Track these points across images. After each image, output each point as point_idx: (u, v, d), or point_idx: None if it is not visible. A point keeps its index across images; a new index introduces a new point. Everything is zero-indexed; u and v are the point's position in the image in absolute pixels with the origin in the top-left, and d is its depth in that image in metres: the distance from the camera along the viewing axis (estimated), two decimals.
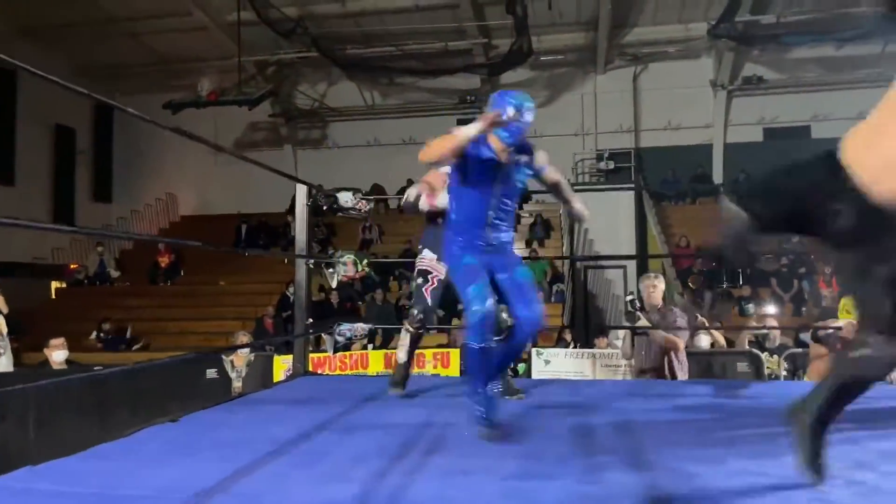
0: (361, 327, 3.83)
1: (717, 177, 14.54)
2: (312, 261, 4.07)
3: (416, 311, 3.42)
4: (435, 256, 3.44)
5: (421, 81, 14.40)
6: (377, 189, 13.59)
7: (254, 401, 3.40)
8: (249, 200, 14.57)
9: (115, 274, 13.23)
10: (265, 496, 1.89)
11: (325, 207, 3.78)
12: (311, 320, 4.12)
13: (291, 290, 10.14)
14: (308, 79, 15.16)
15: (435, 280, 3.44)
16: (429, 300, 3.41)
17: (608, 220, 12.03)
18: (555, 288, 11.21)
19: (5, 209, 12.28)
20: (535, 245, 12.57)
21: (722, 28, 11.48)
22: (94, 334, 10.71)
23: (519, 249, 12.64)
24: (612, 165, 13.86)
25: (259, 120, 15.50)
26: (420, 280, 3.43)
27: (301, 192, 4.14)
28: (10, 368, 5.69)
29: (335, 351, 4.05)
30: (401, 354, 3.49)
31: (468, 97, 14.85)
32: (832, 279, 9.37)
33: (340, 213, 3.85)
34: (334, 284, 3.83)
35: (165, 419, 2.86)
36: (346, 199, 3.78)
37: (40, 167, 13.79)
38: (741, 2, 10.86)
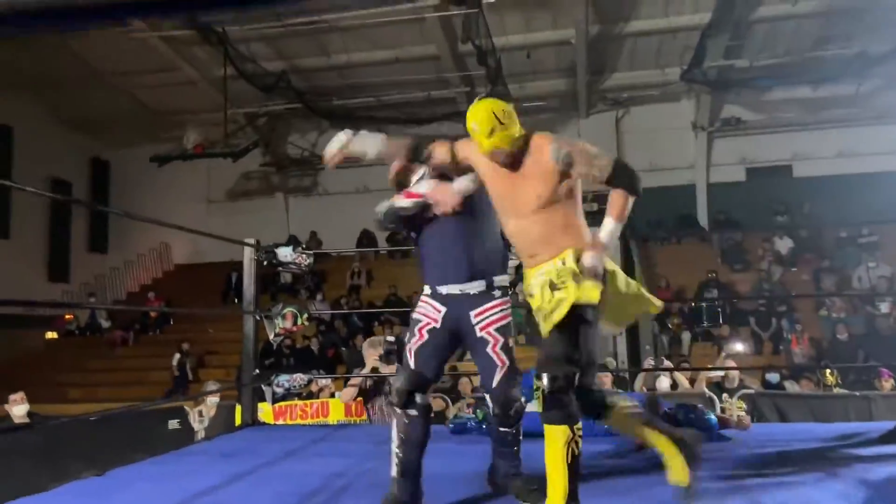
0: (300, 377, 3.95)
1: (702, 217, 14.67)
2: (258, 315, 4.22)
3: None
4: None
5: (407, 129, 14.71)
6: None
7: (185, 453, 3.51)
8: (241, 249, 14.73)
9: (105, 324, 13.37)
10: None
11: (265, 263, 3.93)
12: (257, 371, 4.25)
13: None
14: (298, 128, 15.53)
15: (423, 331, 2.42)
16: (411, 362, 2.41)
17: None
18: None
19: (1, 262, 12.54)
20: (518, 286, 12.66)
21: (694, 73, 11.76)
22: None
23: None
24: (595, 207, 13.99)
25: (251, 169, 15.83)
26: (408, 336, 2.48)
27: (248, 250, 4.33)
28: None
29: (274, 402, 4.17)
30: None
31: None
32: (804, 336, 9.32)
33: (280, 269, 4.00)
34: (272, 336, 3.96)
35: (91, 473, 2.99)
36: (284, 254, 3.94)
37: (36, 220, 14.08)
38: (707, 49, 11.13)
